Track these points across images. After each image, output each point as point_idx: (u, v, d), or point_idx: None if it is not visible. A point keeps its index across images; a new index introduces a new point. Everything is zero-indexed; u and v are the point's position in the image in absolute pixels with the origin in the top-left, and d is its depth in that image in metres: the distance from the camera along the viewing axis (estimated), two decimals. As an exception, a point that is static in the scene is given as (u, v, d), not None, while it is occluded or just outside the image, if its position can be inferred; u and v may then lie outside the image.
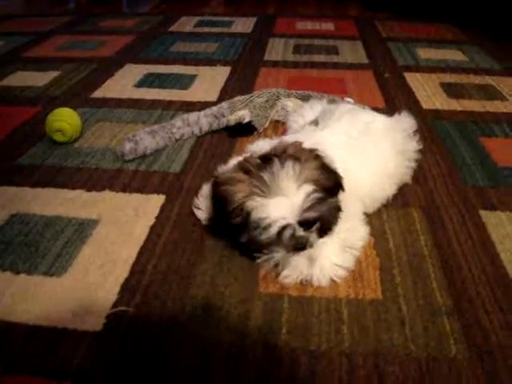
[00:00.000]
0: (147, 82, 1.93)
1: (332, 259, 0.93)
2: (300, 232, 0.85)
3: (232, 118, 1.48)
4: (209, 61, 2.19)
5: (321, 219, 0.86)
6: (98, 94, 1.83)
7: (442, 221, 1.11)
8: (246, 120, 1.47)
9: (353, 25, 2.88)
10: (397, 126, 1.17)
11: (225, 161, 1.10)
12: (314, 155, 0.91)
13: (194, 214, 1.08)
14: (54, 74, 2.03)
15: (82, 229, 1.07)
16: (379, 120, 1.17)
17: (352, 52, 2.35)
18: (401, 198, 1.17)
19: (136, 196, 1.19)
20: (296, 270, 0.92)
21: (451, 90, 1.88)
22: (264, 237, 0.85)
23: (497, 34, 2.55)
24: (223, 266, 0.97)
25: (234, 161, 1.00)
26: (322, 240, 0.91)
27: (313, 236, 0.88)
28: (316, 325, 0.84)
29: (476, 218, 1.12)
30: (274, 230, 0.83)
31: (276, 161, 0.87)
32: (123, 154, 1.33)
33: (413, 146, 1.17)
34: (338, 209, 0.90)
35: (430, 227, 1.09)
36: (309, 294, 0.90)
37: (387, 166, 1.10)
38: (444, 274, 0.95)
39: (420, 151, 1.21)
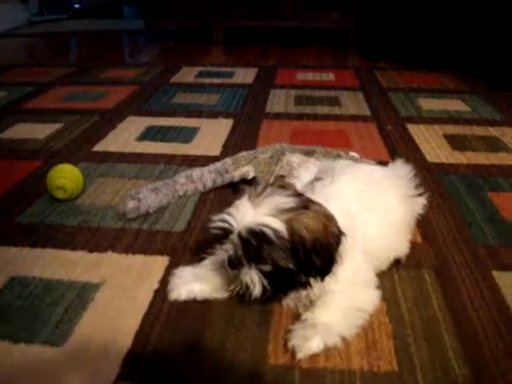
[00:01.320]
0: (149, 135, 1.92)
1: (330, 325, 0.90)
2: (236, 242, 0.88)
3: (236, 174, 1.46)
4: (211, 113, 2.20)
5: (267, 259, 0.87)
6: (99, 147, 1.82)
7: (455, 283, 1.08)
8: (251, 176, 1.45)
9: (353, 75, 2.91)
10: (395, 173, 1.18)
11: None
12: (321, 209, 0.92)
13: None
14: (55, 126, 2.03)
15: (84, 293, 1.04)
16: (378, 170, 1.19)
17: (354, 103, 2.36)
18: (412, 258, 1.14)
19: (139, 258, 1.16)
20: (304, 339, 0.88)
21: (455, 142, 1.87)
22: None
23: (498, 83, 2.56)
24: (231, 335, 0.93)
25: None
26: (322, 301, 0.93)
27: (248, 272, 0.89)
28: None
29: (489, 280, 1.09)
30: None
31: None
32: (125, 213, 1.30)
33: (414, 191, 1.17)
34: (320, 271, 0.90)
35: (442, 290, 1.05)
36: (320, 365, 0.86)
37: (395, 214, 1.08)
38: (460, 342, 0.92)
39: (427, 205, 1.22)
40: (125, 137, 1.91)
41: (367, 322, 0.94)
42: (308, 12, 3.68)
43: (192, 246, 1.20)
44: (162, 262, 1.14)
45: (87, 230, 1.27)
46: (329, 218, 0.90)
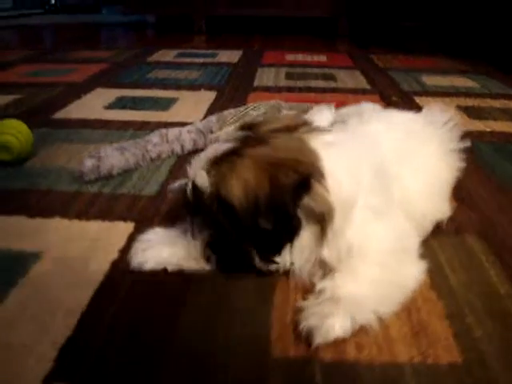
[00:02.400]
0: (119, 104, 1.64)
1: (359, 298, 0.64)
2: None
3: (222, 134, 1.18)
4: (191, 86, 1.92)
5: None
6: (60, 114, 1.53)
7: (509, 249, 0.81)
8: (239, 137, 1.17)
9: (347, 57, 2.67)
10: (434, 121, 0.93)
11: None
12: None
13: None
14: (12, 96, 1.73)
15: (14, 266, 0.75)
16: (415, 117, 0.95)
17: (351, 79, 2.11)
18: (451, 222, 0.87)
19: (95, 224, 0.88)
20: (322, 317, 0.61)
21: (471, 113, 1.63)
22: None
23: (506, 66, 2.34)
24: (216, 320, 0.65)
25: None
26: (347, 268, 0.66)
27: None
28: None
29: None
30: None
31: None
32: (82, 174, 1.02)
33: (456, 144, 0.92)
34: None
35: (497, 259, 0.79)
36: (350, 356, 0.59)
37: (438, 170, 0.85)
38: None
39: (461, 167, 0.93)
40: (91, 105, 1.63)
41: (409, 298, 0.67)
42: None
43: (166, 212, 0.92)
44: (124, 228, 0.87)
45: (34, 195, 0.99)
46: (279, 164, 0.64)
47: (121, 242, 0.82)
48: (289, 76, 2.13)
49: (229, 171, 0.64)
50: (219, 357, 0.59)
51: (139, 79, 2.03)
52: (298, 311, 0.64)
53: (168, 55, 2.61)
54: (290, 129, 0.71)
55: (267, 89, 1.91)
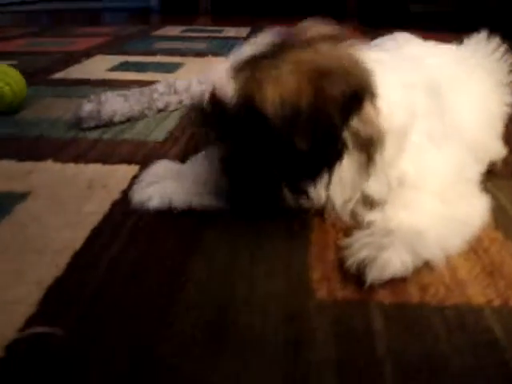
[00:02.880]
0: (123, 67, 1.52)
1: (419, 229, 0.52)
2: None
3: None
4: (197, 54, 1.80)
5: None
6: (59, 75, 1.41)
7: None
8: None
9: (358, 34, 2.53)
10: (480, 49, 0.80)
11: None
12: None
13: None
14: (11, 62, 1.61)
15: (-1, 207, 0.63)
16: (457, 47, 0.82)
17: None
18: (505, 166, 0.75)
19: (94, 167, 0.76)
20: (377, 249, 0.49)
21: None
22: None
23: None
24: (239, 262, 0.52)
25: None
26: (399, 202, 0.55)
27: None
28: (449, 353, 0.40)
29: None
30: None
31: None
32: (81, 120, 0.90)
33: (505, 74, 0.79)
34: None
35: None
36: (415, 298, 0.47)
37: (489, 103, 0.73)
38: None
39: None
40: (92, 68, 1.51)
41: (474, 238, 0.55)
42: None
43: (175, 154, 0.80)
44: (128, 170, 0.75)
45: (23, 141, 0.87)
46: (327, 72, 0.51)
47: (124, 183, 0.70)
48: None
49: (263, 76, 0.51)
50: (248, 303, 0.46)
51: (143, 48, 1.91)
52: (343, 248, 0.52)
53: (173, 31, 2.49)
54: (335, 39, 0.58)
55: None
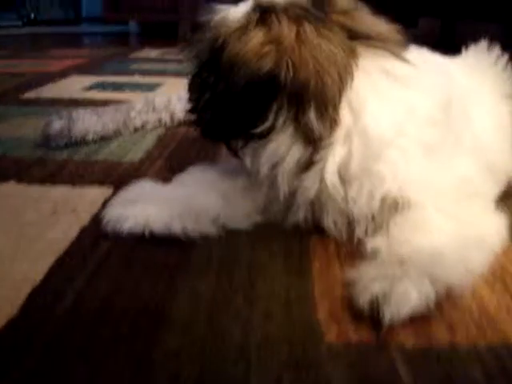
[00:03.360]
0: (99, 87, 1.45)
1: (433, 254, 0.45)
2: None
3: None
4: (177, 74, 1.73)
5: None
6: (30, 95, 1.33)
7: None
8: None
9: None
10: (483, 60, 0.74)
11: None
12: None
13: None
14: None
15: None
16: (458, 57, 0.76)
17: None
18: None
19: (62, 189, 0.68)
20: (389, 283, 0.42)
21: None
22: None
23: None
24: (231, 303, 0.44)
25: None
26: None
27: None
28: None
29: None
30: None
31: None
32: (49, 137, 0.82)
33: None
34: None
35: None
36: (442, 339, 0.39)
37: (502, 115, 0.68)
38: None
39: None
40: (66, 87, 1.43)
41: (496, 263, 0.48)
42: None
43: (152, 177, 0.72)
44: (99, 194, 0.67)
45: (-18, 161, 0.78)
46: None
47: (94, 207, 0.62)
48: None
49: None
50: (243, 352, 0.38)
51: (121, 68, 1.84)
52: (350, 283, 0.44)
53: (152, 53, 2.43)
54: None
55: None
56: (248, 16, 0.51)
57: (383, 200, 0.51)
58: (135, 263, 0.50)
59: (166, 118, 0.97)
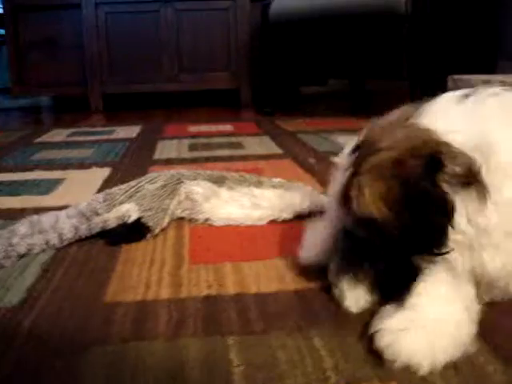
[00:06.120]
0: (-9, 191, 1.37)
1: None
2: None
3: (111, 217, 0.95)
4: (81, 165, 1.69)
5: None
6: None
7: None
8: (133, 218, 0.95)
9: (253, 125, 2.55)
10: None
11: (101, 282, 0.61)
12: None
13: None
14: None
15: None
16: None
17: (261, 145, 1.97)
18: None
19: None
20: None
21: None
22: None
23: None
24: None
25: None
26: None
27: None
28: None
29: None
30: None
31: None
32: None
33: None
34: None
35: None
36: None
37: None
38: None
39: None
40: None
41: None
42: (193, 73, 3.36)
43: (30, 327, 0.66)
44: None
45: None
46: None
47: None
48: (192, 147, 1.96)
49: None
50: None
51: (21, 161, 1.77)
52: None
53: (60, 135, 2.37)
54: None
55: (169, 161, 1.72)
56: None
57: None
58: None
59: (53, 239, 0.92)
